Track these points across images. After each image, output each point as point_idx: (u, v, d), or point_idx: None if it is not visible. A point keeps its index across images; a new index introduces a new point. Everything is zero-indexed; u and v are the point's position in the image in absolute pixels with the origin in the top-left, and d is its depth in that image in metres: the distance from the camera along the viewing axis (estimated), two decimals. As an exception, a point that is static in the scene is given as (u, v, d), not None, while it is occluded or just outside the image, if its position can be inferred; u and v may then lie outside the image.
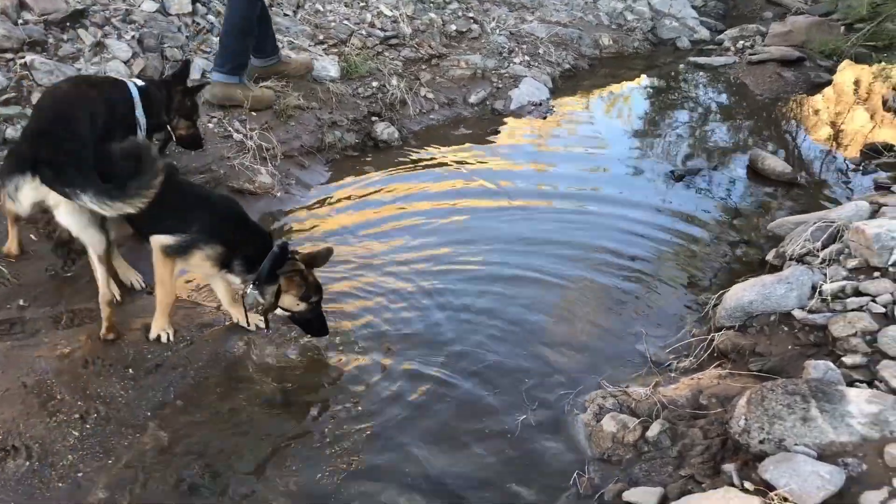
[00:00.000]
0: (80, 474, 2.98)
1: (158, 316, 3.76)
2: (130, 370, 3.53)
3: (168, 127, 4.45)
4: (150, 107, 4.20)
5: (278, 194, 5.33)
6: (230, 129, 5.48)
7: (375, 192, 5.62)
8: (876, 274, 3.76)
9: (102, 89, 3.97)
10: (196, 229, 3.57)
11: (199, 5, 6.55)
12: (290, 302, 3.68)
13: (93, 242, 3.53)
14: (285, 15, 7.07)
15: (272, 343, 3.88)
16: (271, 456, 3.19)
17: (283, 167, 5.54)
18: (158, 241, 3.59)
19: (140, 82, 4.21)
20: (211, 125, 5.46)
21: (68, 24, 5.58)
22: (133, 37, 5.84)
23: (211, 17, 6.55)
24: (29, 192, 3.36)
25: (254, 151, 5.35)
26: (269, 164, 5.41)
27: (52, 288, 3.95)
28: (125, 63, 5.59)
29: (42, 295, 3.88)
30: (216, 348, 3.81)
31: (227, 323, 3.98)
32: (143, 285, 4.13)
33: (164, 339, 3.76)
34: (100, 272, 3.59)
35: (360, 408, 3.48)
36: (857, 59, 9.21)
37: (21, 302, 3.77)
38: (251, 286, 3.66)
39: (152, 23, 6.02)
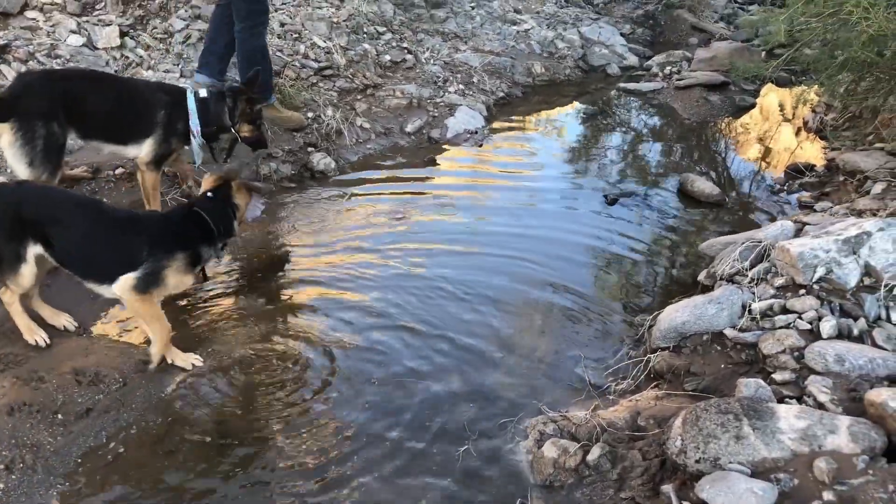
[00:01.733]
0: (5, 528, 2.86)
1: (173, 355, 3.80)
2: (59, 416, 3.41)
3: (233, 130, 4.98)
4: (206, 115, 4.76)
5: (212, 228, 5.24)
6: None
7: (311, 220, 5.60)
8: (801, 291, 3.89)
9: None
10: (151, 250, 3.58)
11: (127, 39, 6.46)
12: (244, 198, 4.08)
13: None
14: (217, 47, 7.00)
15: (208, 381, 3.79)
16: (209, 500, 3.11)
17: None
18: (124, 284, 3.55)
19: (203, 93, 4.78)
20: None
21: (-10, 59, 5.45)
22: (59, 72, 5.71)
23: (140, 51, 6.46)
24: None
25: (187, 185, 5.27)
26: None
27: (-27, 333, 3.81)
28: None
29: (-37, 340, 3.74)
30: (151, 389, 3.71)
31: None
32: (76, 326, 4.02)
33: (198, 364, 3.83)
34: None
35: (297, 445, 3.42)
36: (778, 83, 9.61)
37: (-59, 349, 3.63)
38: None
39: (79, 57, 5.92)
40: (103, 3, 6.60)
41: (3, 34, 5.73)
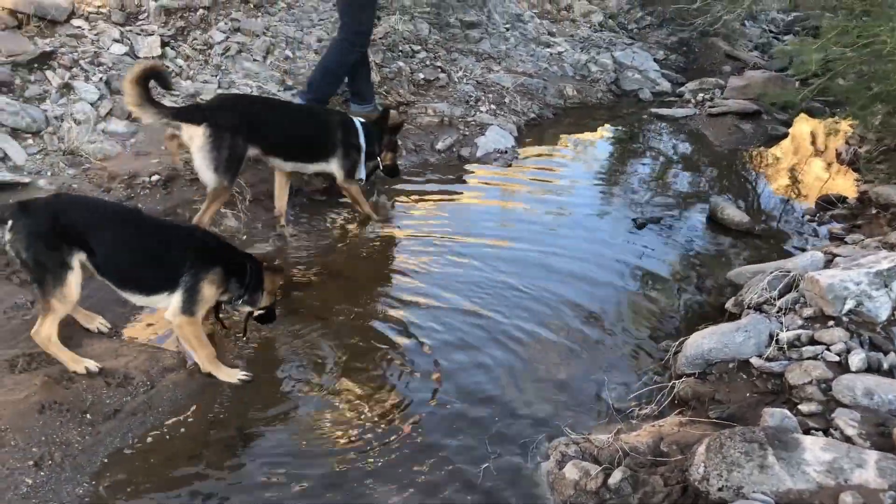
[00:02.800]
0: (32, 524, 2.91)
1: (219, 371, 3.84)
2: (88, 415, 3.47)
3: (378, 158, 5.67)
4: (368, 138, 5.45)
5: (244, 237, 5.32)
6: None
7: (337, 234, 5.67)
8: (830, 323, 3.86)
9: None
10: (189, 266, 3.69)
11: (168, 49, 6.59)
12: (269, 299, 4.06)
13: None
14: (255, 60, 7.13)
15: (233, 386, 3.84)
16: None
17: (251, 210, 5.54)
18: (173, 310, 3.70)
19: (361, 120, 5.53)
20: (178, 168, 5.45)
21: (35, 65, 5.60)
22: (101, 79, 5.86)
23: (180, 61, 6.60)
24: None
25: (221, 195, 5.35)
26: (237, 208, 5.41)
27: (8, 331, 3.88)
28: (92, 105, 5.59)
29: (-2, 337, 3.81)
30: (178, 393, 3.75)
31: (189, 365, 3.91)
32: (109, 328, 4.09)
33: (244, 378, 3.86)
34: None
35: (320, 455, 3.44)
36: (811, 113, 9.56)
37: (-24, 345, 3.70)
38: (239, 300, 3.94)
39: (121, 65, 6.05)
40: (146, 14, 6.75)
41: (50, 41, 5.88)
